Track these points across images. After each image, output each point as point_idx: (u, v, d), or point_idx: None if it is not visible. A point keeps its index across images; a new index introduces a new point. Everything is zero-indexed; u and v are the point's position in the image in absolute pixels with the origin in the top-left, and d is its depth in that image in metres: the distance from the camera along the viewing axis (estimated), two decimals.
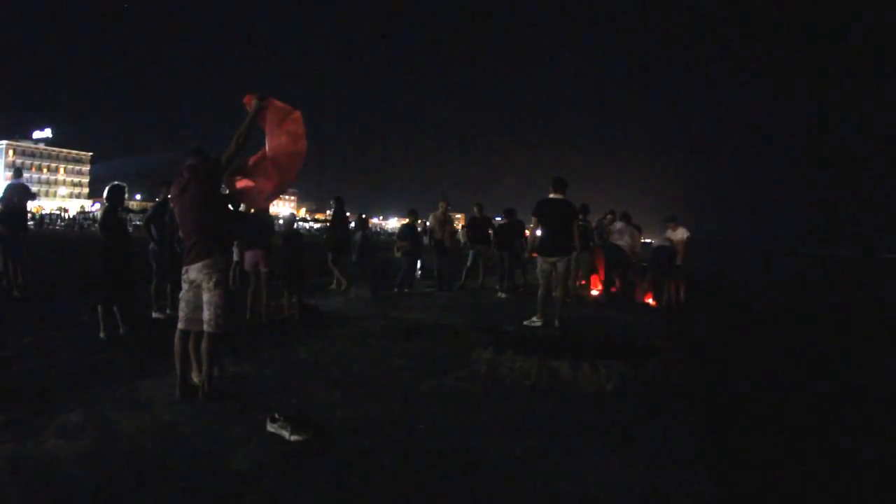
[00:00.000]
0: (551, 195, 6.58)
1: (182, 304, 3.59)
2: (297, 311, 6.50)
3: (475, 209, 10.49)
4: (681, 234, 9.19)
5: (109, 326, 5.15)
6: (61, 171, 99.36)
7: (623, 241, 9.16)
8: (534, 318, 6.57)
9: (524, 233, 10.78)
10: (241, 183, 3.88)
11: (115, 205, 5.34)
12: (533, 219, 6.71)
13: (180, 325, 3.58)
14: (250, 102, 3.71)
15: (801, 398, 4.27)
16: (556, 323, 6.46)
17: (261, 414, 3.18)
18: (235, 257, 7.15)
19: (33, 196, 7.87)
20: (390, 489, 2.52)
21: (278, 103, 3.79)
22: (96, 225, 6.14)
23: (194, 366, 3.65)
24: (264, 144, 3.85)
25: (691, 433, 3.33)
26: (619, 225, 9.32)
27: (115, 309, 5.24)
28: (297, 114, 3.82)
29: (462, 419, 3.43)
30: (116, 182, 5.35)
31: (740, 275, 18.23)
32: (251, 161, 3.87)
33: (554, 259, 6.50)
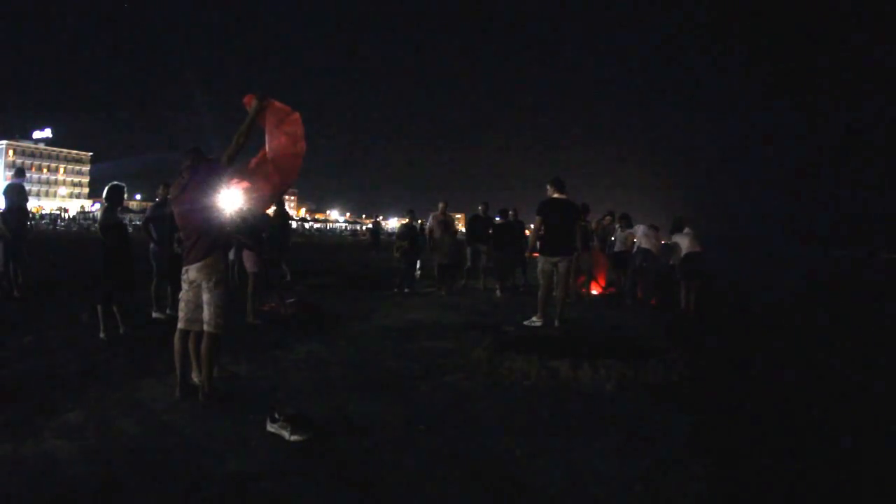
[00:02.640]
0: (554, 195, 6.56)
1: (182, 304, 3.59)
2: (288, 311, 6.54)
3: (480, 208, 10.44)
4: (686, 232, 9.14)
5: (109, 326, 5.15)
6: (61, 171, 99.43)
7: (649, 244, 9.00)
8: (534, 318, 6.58)
9: (524, 232, 10.77)
10: (241, 186, 3.88)
11: (114, 205, 5.35)
12: (537, 218, 6.64)
13: (180, 325, 3.59)
14: (250, 102, 3.72)
15: (802, 398, 4.27)
16: (557, 323, 6.47)
17: (261, 414, 3.18)
18: (231, 256, 7.14)
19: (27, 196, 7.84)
20: (390, 489, 2.53)
21: (278, 104, 3.80)
22: (96, 225, 6.13)
23: (194, 366, 3.65)
24: (264, 145, 3.85)
25: (691, 433, 3.33)
26: (642, 228, 9.22)
27: (114, 309, 5.24)
28: (297, 115, 3.83)
29: (462, 419, 3.43)
30: (115, 182, 5.36)
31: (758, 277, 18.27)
32: (252, 163, 3.87)
33: (556, 259, 6.50)
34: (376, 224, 30.50)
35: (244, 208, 5.37)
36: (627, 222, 9.61)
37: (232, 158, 3.62)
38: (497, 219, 10.54)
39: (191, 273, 3.51)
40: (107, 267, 5.20)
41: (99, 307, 5.16)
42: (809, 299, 12.64)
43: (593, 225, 9.88)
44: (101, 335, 5.06)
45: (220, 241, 3.56)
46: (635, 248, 9.11)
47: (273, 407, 3.22)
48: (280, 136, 3.80)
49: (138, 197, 74.95)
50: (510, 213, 10.47)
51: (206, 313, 3.49)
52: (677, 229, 8.99)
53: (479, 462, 2.82)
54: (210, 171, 3.52)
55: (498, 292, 9.44)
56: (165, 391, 3.66)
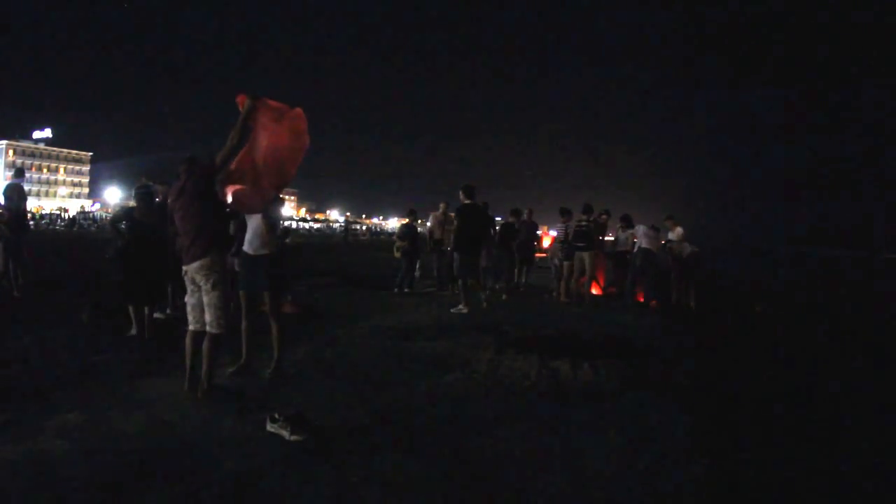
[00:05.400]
0: (466, 201, 7.46)
1: (188, 308, 3.66)
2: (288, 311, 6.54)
3: None
4: (679, 232, 9.19)
5: (137, 321, 5.19)
6: (61, 171, 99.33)
7: (650, 244, 9.04)
8: (460, 307, 7.31)
9: (536, 232, 10.87)
10: (232, 189, 3.83)
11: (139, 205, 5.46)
12: (456, 221, 7.66)
13: (191, 327, 3.64)
14: (243, 102, 3.71)
15: (801, 397, 4.27)
16: (485, 305, 7.56)
17: (261, 414, 3.18)
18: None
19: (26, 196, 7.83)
20: (390, 489, 2.52)
21: (272, 102, 3.79)
22: (96, 225, 6.16)
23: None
24: (248, 146, 3.80)
25: (691, 432, 3.34)
26: (642, 228, 9.25)
27: (131, 309, 5.26)
28: (299, 110, 3.83)
29: (462, 419, 3.43)
30: (142, 183, 5.50)
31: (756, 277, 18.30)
32: (233, 166, 3.82)
33: (476, 257, 7.73)
34: (347, 222, 33.91)
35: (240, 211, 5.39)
36: (628, 223, 9.62)
37: (225, 159, 3.64)
38: (499, 218, 10.53)
39: (190, 273, 3.57)
40: (128, 267, 5.24)
41: (130, 307, 5.21)
42: (808, 299, 12.63)
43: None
44: (133, 331, 5.16)
45: (216, 240, 3.58)
46: (635, 248, 9.13)
47: (273, 407, 3.23)
48: (282, 133, 3.79)
49: None
50: (524, 212, 10.54)
51: (208, 315, 3.54)
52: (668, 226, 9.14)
53: (479, 462, 2.82)
54: (204, 172, 3.59)
55: (503, 294, 9.41)
56: (166, 391, 3.66)
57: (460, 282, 7.58)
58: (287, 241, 8.73)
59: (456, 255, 7.55)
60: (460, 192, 7.53)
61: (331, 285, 10.00)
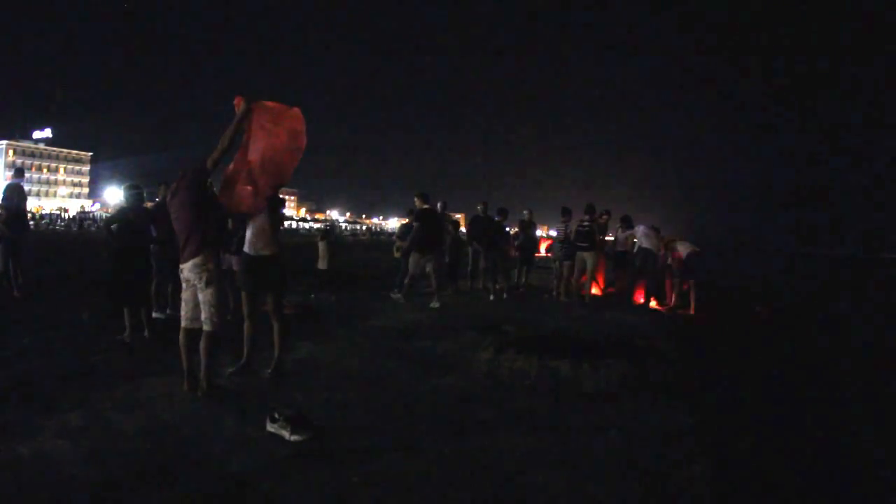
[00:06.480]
0: (424, 206, 8.17)
1: (182, 304, 3.68)
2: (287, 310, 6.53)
3: (479, 208, 10.43)
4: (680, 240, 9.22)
5: (131, 327, 5.13)
6: (61, 171, 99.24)
7: (650, 244, 9.05)
8: (399, 295, 8.09)
9: (536, 233, 10.94)
10: (231, 190, 3.82)
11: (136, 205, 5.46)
12: (416, 224, 8.20)
13: (183, 324, 3.65)
14: (240, 104, 3.71)
15: (800, 396, 4.27)
16: (436, 304, 7.80)
17: (261, 414, 3.18)
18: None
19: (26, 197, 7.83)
20: (390, 489, 2.52)
21: (270, 104, 3.79)
22: (97, 225, 6.15)
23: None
24: (243, 148, 3.79)
25: (691, 433, 3.33)
26: (642, 228, 9.26)
27: (137, 311, 5.24)
28: (297, 111, 3.84)
29: (462, 419, 3.43)
30: (131, 183, 5.47)
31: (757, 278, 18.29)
32: (230, 168, 3.81)
33: (429, 256, 8.16)
34: (331, 225, 33.75)
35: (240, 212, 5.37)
36: (628, 223, 9.62)
37: (216, 161, 3.66)
38: (497, 218, 10.53)
39: (185, 272, 3.61)
40: (118, 268, 5.22)
41: (126, 310, 5.15)
42: (808, 298, 12.63)
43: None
44: (125, 336, 5.04)
45: (209, 239, 3.61)
46: (635, 249, 9.14)
47: (273, 407, 3.23)
48: (280, 133, 3.79)
49: None
50: (525, 213, 10.64)
51: (203, 312, 3.58)
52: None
53: (480, 462, 2.82)
54: (196, 173, 3.63)
55: (503, 294, 9.41)
56: (165, 391, 3.66)
57: (406, 279, 8.19)
58: (332, 239, 9.20)
59: (414, 254, 8.09)
60: (416, 199, 8.26)
61: (330, 285, 10.00)
